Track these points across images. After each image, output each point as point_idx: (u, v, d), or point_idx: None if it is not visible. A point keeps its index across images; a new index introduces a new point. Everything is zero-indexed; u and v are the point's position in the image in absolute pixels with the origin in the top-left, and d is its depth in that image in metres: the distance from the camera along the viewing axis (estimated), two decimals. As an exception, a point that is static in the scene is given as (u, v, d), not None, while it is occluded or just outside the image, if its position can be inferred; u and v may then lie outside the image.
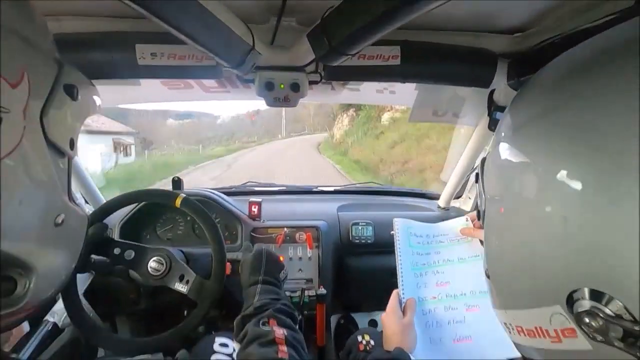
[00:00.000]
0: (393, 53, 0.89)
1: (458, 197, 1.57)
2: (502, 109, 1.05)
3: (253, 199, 1.34)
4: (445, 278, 0.86)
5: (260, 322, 0.68)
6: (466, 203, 1.53)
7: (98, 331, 0.90)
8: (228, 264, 0.96)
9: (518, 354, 0.73)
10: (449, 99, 1.26)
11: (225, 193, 1.43)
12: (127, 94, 1.26)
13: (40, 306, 0.34)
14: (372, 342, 0.91)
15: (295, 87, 0.92)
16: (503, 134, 0.46)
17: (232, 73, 0.97)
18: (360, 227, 1.38)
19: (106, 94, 1.23)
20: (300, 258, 1.31)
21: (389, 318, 0.80)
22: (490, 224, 0.48)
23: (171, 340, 0.89)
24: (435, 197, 1.66)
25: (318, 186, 1.80)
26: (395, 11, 0.59)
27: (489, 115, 1.09)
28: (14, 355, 0.31)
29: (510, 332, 0.47)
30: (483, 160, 0.52)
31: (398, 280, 0.86)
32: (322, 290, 1.14)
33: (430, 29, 0.91)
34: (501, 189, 0.44)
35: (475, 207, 1.37)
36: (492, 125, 1.08)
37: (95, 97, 0.37)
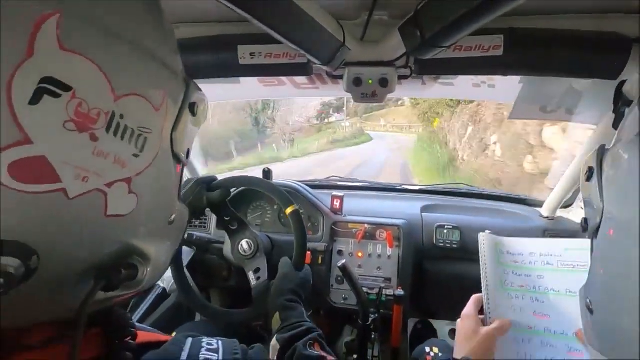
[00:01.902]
0: (495, 43, 0.81)
1: (567, 206, 1.36)
2: (634, 104, 0.87)
3: (336, 193, 1.37)
4: (546, 310, 0.72)
5: (307, 344, 0.71)
6: (577, 214, 1.32)
7: (197, 299, 1.04)
8: (308, 253, 1.01)
9: None
10: (562, 93, 1.10)
11: (310, 186, 1.49)
12: (228, 91, 1.39)
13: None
14: (440, 355, 0.85)
15: (384, 82, 0.91)
16: None
17: (322, 69, 1.00)
18: (445, 231, 1.30)
19: (211, 91, 1.40)
20: (379, 256, 1.29)
21: (463, 323, 0.74)
22: (606, 246, 0.36)
23: (237, 318, 1.00)
24: (538, 205, 1.46)
25: (402, 184, 1.74)
26: None
27: (614, 111, 0.91)
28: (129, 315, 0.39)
29: None
30: (601, 151, 0.40)
31: (483, 298, 0.76)
32: (400, 291, 1.11)
33: (541, 13, 0.80)
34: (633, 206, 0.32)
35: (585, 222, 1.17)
36: (619, 123, 0.91)
37: (205, 110, 0.42)
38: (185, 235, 1.05)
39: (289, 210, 0.99)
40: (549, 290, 0.73)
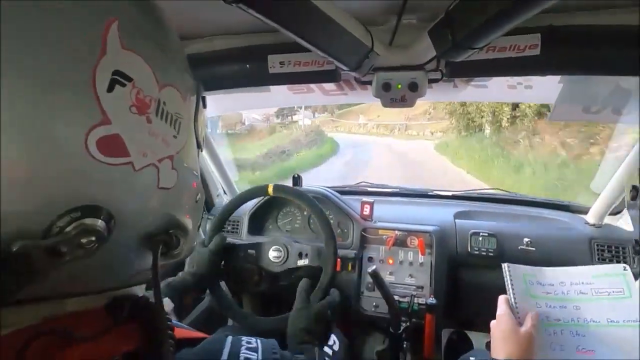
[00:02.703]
0: (531, 42, 0.77)
1: (616, 212, 1.26)
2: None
3: (365, 199, 1.36)
4: (590, 344, 0.66)
5: None
6: (627, 221, 1.22)
7: (229, 304, 1.06)
8: (338, 260, 1.01)
9: None
10: (608, 92, 1.03)
11: (339, 192, 1.49)
12: (259, 100, 1.43)
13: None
14: None
15: (414, 87, 0.89)
16: None
17: (350, 76, 1.00)
18: (480, 238, 1.25)
19: (243, 99, 1.44)
20: (410, 263, 1.26)
21: (499, 323, 0.69)
22: None
23: (273, 324, 1.00)
24: (583, 212, 1.36)
25: (434, 190, 1.70)
26: None
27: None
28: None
29: None
30: None
31: None
32: (433, 300, 1.08)
33: (580, 9, 0.76)
34: None
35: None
36: None
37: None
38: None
39: (270, 190, 1.09)
40: (589, 321, 0.67)
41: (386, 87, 0.91)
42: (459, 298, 1.27)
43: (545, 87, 1.08)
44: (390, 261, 1.28)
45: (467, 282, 1.26)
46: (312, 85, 1.25)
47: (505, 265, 0.75)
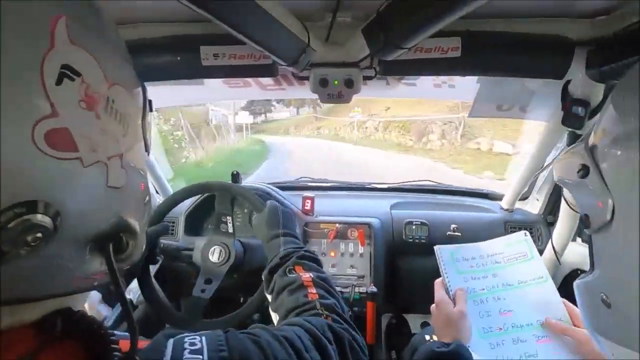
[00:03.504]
0: (453, 45, 0.84)
1: (524, 198, 1.45)
2: (579, 102, 0.94)
3: (306, 194, 1.37)
4: (508, 306, 0.76)
5: (287, 270, 0.70)
6: (533, 205, 1.40)
7: (166, 309, 1.00)
8: None
9: None
10: (516, 92, 1.16)
11: (279, 187, 1.48)
12: (191, 94, 1.36)
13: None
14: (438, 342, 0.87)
15: (350, 84, 0.92)
16: None
17: (287, 71, 1.00)
18: (414, 227, 1.34)
19: (174, 93, 1.36)
20: (351, 254, 1.31)
21: (440, 308, 0.75)
22: (622, 240, 0.35)
23: (227, 324, 0.95)
24: (498, 198, 1.54)
25: (371, 183, 1.78)
26: (456, 1, 0.56)
27: (563, 109, 0.98)
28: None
29: None
30: (592, 149, 0.39)
31: None
32: (373, 288, 1.13)
33: (495, 16, 0.85)
34: None
35: (563, 220, 1.24)
36: (567, 120, 0.97)
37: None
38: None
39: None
40: (505, 285, 0.78)
41: (323, 83, 0.92)
42: (397, 284, 1.35)
43: (466, 87, 1.18)
44: (332, 254, 1.31)
45: (404, 269, 1.34)
46: (249, 80, 1.22)
47: (436, 248, 0.85)
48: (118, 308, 1.18)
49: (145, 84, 0.44)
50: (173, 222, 1.35)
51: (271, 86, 1.24)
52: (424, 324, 1.46)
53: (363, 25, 0.80)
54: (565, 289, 0.73)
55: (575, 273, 1.17)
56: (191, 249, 1.08)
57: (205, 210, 1.40)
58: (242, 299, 1.24)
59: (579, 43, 0.84)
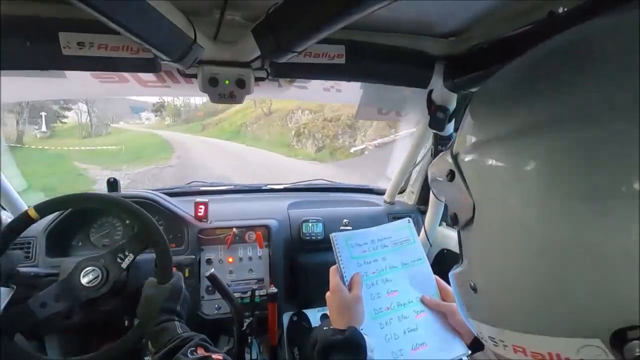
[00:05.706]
0: (338, 52, 0.90)
1: (402, 191, 1.65)
2: (441, 108, 1.12)
3: (199, 199, 1.29)
4: (394, 286, 0.83)
5: (189, 352, 0.70)
6: (410, 197, 1.61)
7: (20, 354, 0.81)
8: (174, 268, 0.92)
9: (467, 351, 0.75)
10: (393, 98, 1.32)
11: (167, 194, 1.36)
12: (52, 87, 1.13)
13: None
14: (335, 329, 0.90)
15: (241, 84, 0.90)
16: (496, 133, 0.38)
17: (172, 67, 0.92)
18: (310, 224, 1.39)
19: (30, 86, 1.11)
20: (250, 258, 1.28)
21: (335, 295, 0.77)
22: (482, 235, 0.41)
23: (109, 358, 0.82)
24: (381, 193, 1.72)
25: (267, 184, 1.77)
26: (340, 11, 0.60)
27: (429, 114, 1.15)
28: None
29: (495, 346, 0.40)
30: (455, 156, 0.44)
31: None
32: (273, 289, 1.13)
33: (374, 30, 0.94)
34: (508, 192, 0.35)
35: (426, 212, 1.42)
36: (433, 123, 1.15)
37: None
38: None
39: (31, 212, 0.83)
40: (391, 268, 0.87)
41: (213, 82, 0.88)
42: (297, 282, 1.37)
43: (351, 91, 1.28)
44: (230, 259, 1.26)
45: (303, 266, 1.38)
46: (126, 75, 1.08)
47: (331, 235, 0.88)
48: None
49: None
50: (29, 244, 1.11)
51: (153, 83, 1.12)
52: (323, 317, 1.53)
53: (253, 26, 0.79)
54: (437, 267, 0.87)
55: (442, 252, 1.40)
56: (55, 274, 0.91)
57: (73, 226, 1.19)
58: (126, 323, 1.09)
59: (438, 58, 1.00)
